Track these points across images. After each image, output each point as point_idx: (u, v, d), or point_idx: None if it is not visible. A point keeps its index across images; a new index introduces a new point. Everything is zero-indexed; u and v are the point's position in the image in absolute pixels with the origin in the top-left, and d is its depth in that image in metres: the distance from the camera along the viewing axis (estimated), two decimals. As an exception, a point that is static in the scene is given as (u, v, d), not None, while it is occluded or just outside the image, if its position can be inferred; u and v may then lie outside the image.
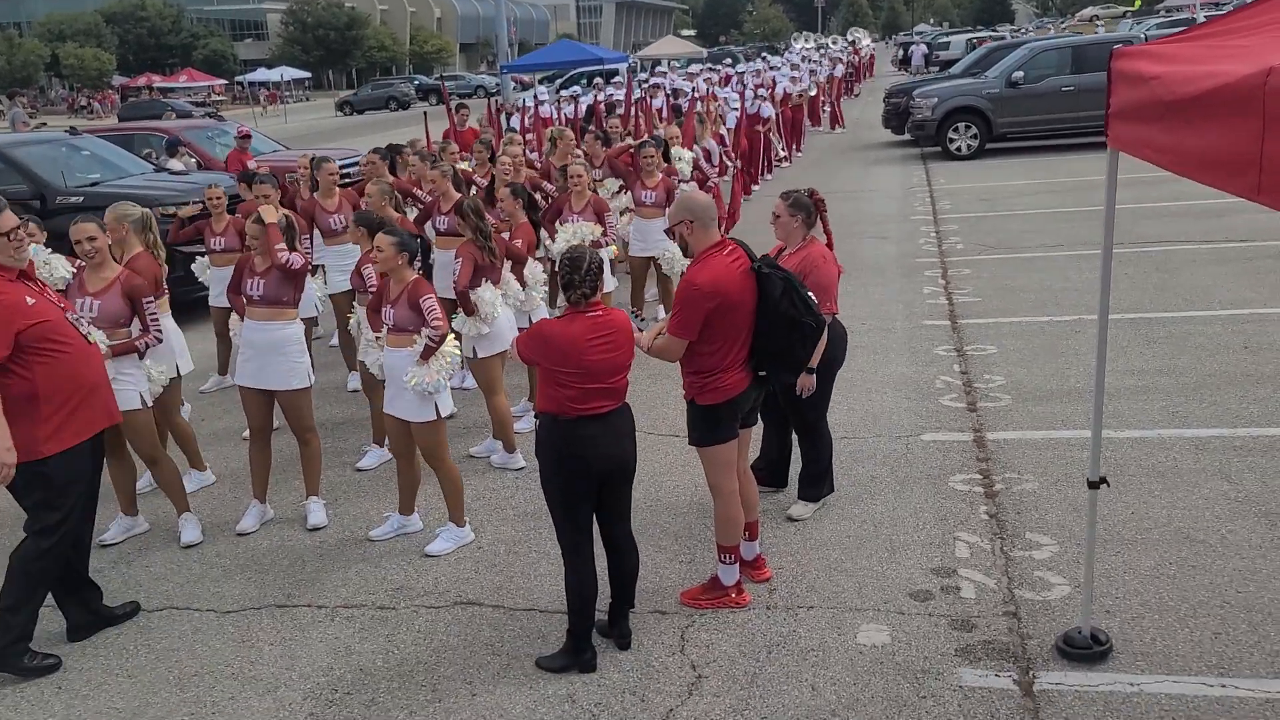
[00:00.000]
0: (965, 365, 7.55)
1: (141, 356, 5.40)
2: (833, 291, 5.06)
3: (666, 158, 9.14)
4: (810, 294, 4.38)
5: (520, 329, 6.64)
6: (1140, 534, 4.94)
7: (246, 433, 5.97)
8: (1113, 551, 4.79)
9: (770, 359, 4.44)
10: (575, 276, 3.98)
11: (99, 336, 4.95)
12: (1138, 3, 52.83)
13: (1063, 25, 58.66)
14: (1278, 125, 2.22)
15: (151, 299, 5.39)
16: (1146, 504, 5.23)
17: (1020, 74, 18.11)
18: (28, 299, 4.28)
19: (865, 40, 49.06)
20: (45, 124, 34.80)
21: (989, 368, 7.45)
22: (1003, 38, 36.52)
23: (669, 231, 4.45)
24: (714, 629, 4.44)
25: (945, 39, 45.10)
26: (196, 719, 4.05)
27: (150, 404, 5.47)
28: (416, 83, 58.24)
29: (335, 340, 8.88)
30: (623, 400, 4.14)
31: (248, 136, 12.81)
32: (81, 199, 9.36)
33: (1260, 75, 2.27)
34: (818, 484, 5.40)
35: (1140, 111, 3.15)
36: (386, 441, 6.10)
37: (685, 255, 4.53)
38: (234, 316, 5.85)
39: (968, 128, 18.67)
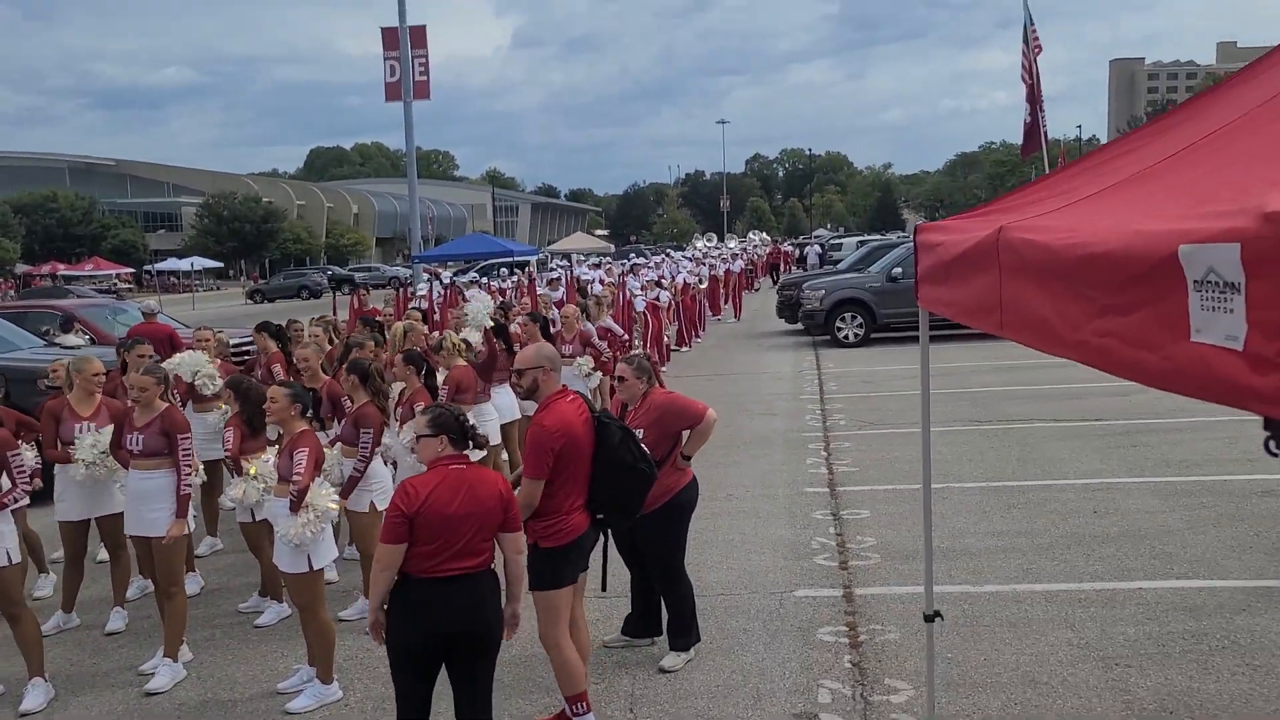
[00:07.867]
0: (840, 528, 7.87)
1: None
2: (688, 401, 5.57)
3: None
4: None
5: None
6: (990, 678, 5.19)
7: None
8: (964, 694, 5.02)
9: (608, 503, 4.70)
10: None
11: None
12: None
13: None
14: (1009, 273, 2.67)
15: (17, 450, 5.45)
16: (998, 651, 5.50)
17: (899, 270, 19.13)
18: None
19: (759, 240, 52.43)
20: None
21: (862, 530, 7.78)
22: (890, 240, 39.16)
23: (518, 374, 4.73)
24: (578, 777, 4.46)
25: (838, 241, 48.23)
26: None
27: (17, 560, 5.38)
28: (329, 273, 59.24)
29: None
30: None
31: (154, 314, 13.00)
32: (-31, 370, 9.36)
33: (994, 234, 2.74)
34: (685, 633, 5.55)
35: (933, 273, 3.65)
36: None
37: (532, 398, 4.81)
38: None
39: (854, 317, 19.74)
